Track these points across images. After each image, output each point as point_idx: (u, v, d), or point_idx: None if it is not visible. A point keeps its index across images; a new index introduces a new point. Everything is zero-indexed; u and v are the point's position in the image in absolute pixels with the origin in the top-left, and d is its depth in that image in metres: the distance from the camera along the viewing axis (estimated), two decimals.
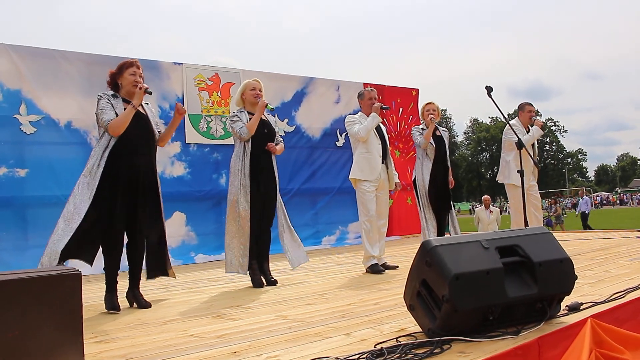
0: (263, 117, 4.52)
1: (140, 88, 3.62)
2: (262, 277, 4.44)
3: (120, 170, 3.58)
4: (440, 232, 5.81)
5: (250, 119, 4.41)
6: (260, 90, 4.53)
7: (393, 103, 9.72)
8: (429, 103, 5.91)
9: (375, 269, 4.90)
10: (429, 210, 5.76)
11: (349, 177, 5.13)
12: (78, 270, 1.83)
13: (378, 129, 5.14)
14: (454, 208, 12.54)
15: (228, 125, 4.60)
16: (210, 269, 6.24)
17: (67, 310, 1.77)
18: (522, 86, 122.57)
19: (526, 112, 6.33)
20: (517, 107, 6.48)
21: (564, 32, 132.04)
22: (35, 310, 1.68)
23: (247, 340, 2.48)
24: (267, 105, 4.44)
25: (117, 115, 3.56)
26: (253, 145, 4.39)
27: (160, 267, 4.02)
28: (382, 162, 5.09)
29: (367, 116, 5.08)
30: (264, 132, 4.48)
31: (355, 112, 5.35)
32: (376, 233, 5.09)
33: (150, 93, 3.68)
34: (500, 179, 6.52)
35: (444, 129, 6.12)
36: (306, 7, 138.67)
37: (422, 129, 5.85)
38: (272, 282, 4.47)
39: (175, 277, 4.14)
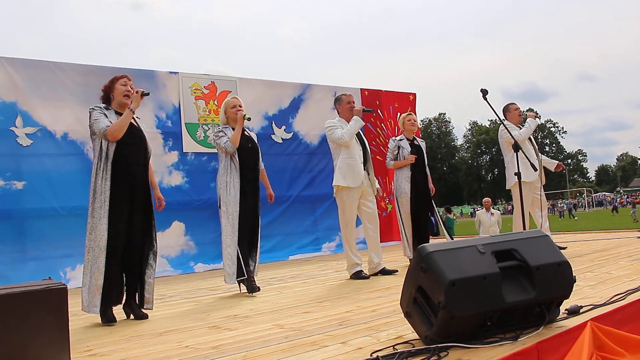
0: (247, 133, 4.68)
1: (137, 92, 3.68)
2: (255, 282, 4.47)
3: (119, 180, 3.58)
4: (424, 239, 5.63)
5: None
6: (240, 107, 4.63)
7: (391, 108, 9.72)
8: (409, 114, 5.98)
9: (359, 276, 4.90)
10: (407, 222, 5.67)
11: (333, 184, 5.06)
12: (64, 284, 1.80)
13: (358, 134, 5.10)
14: (450, 212, 12.36)
15: (213, 141, 4.67)
16: (209, 278, 6.21)
17: (54, 325, 1.74)
18: (517, 88, 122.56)
19: (513, 112, 6.20)
20: (502, 111, 6.31)
21: (558, 34, 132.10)
22: (20, 327, 1.64)
23: (242, 350, 2.44)
24: (244, 116, 4.53)
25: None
26: (240, 159, 4.51)
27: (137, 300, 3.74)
28: (364, 168, 5.05)
29: (346, 121, 5.04)
30: (248, 147, 4.62)
31: None
32: (370, 241, 5.06)
33: (147, 94, 3.78)
34: (507, 184, 6.30)
35: (421, 139, 6.17)
36: (302, 14, 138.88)
37: (400, 139, 5.81)
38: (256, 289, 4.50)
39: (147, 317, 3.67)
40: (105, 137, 3.54)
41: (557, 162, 6.44)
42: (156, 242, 3.79)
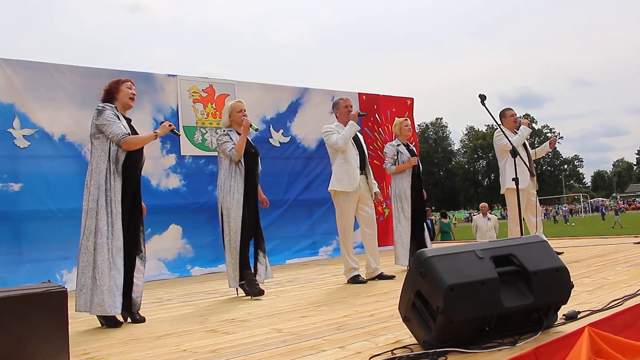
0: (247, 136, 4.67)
1: (170, 125, 3.81)
2: (258, 284, 4.49)
3: (127, 182, 3.61)
4: (421, 244, 5.67)
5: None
6: (245, 111, 4.65)
7: (388, 112, 9.73)
8: (406, 119, 5.98)
9: (357, 280, 4.90)
10: (407, 227, 5.63)
11: (328, 188, 5.07)
12: (64, 287, 1.79)
13: (355, 138, 5.10)
14: (446, 217, 12.47)
15: (216, 144, 4.67)
16: (206, 282, 6.20)
17: (53, 328, 1.73)
18: (513, 93, 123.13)
19: (509, 117, 6.22)
20: (498, 116, 6.34)
21: (554, 39, 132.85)
22: (20, 329, 1.64)
23: (240, 355, 2.44)
24: (250, 125, 4.52)
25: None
26: (245, 164, 4.52)
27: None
28: (361, 173, 5.05)
29: (344, 125, 5.04)
30: (251, 152, 4.65)
31: None
32: (367, 245, 5.06)
33: (178, 135, 4.17)
34: (502, 190, 6.35)
35: (412, 144, 6.19)
36: (300, 18, 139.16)
37: (397, 144, 5.81)
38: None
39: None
40: (119, 143, 3.55)
41: (548, 141, 6.50)
42: (144, 247, 3.80)
